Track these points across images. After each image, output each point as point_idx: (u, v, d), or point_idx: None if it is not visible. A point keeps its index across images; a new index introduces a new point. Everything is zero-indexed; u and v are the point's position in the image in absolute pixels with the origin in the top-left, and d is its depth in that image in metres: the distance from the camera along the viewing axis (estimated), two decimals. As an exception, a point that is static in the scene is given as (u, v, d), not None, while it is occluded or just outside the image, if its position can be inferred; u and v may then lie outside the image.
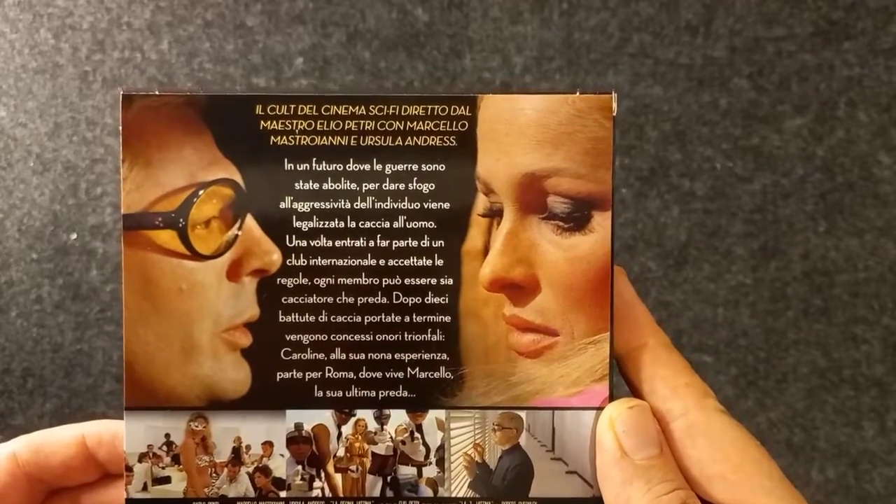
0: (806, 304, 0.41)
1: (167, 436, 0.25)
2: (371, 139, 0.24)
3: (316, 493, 0.25)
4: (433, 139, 0.24)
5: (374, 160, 0.24)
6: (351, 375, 0.25)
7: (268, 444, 0.25)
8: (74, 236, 0.39)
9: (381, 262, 0.25)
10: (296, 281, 0.25)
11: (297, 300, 0.25)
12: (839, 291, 0.41)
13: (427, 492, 0.25)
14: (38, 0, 0.33)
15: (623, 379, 0.26)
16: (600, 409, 0.25)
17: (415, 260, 0.25)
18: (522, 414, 0.25)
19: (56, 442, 0.28)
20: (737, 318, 0.44)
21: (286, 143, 0.24)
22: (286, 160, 0.24)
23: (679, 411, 0.24)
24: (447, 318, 0.25)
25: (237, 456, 0.25)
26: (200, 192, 0.24)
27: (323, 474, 0.25)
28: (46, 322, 0.43)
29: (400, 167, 0.25)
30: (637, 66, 0.40)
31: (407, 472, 0.25)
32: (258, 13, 0.40)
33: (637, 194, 0.43)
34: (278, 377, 0.25)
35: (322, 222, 0.25)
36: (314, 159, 0.24)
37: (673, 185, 0.40)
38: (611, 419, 0.24)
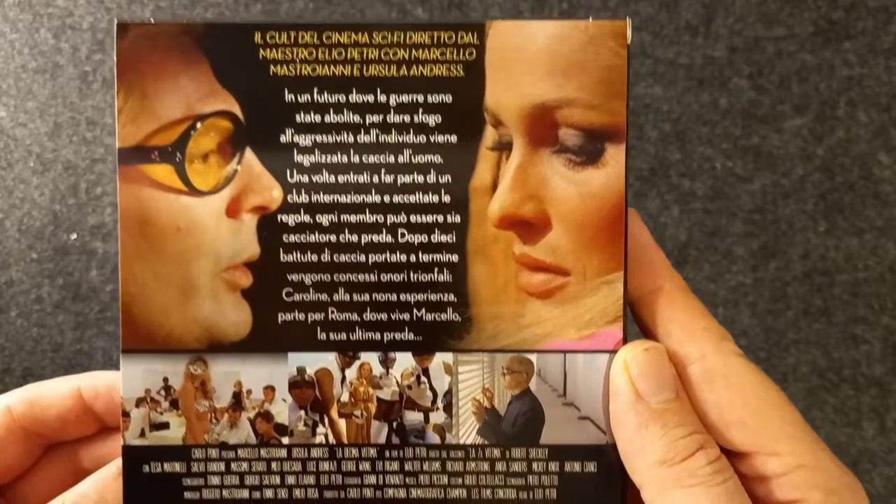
0: (806, 304, 0.41)
1: (165, 380, 0.24)
2: (375, 69, 0.23)
3: (319, 439, 0.24)
4: (439, 69, 0.23)
5: (378, 91, 0.24)
6: (355, 317, 0.24)
7: (269, 389, 0.24)
8: (74, 236, 0.38)
9: (386, 198, 0.24)
10: (297, 218, 0.24)
11: (298, 238, 0.24)
12: (839, 291, 0.40)
13: (434, 438, 0.24)
14: (38, 0, 0.33)
15: (637, 324, 0.25)
16: (614, 352, 0.24)
17: (420, 196, 0.24)
18: (533, 357, 0.24)
19: (51, 395, 0.27)
20: (737, 317, 0.43)
21: (286, 72, 0.23)
22: (286, 91, 0.23)
23: (696, 355, 0.23)
24: (454, 258, 0.24)
25: (238, 401, 0.24)
26: (198, 125, 0.23)
27: (326, 420, 0.24)
28: (46, 322, 0.43)
29: (405, 98, 0.24)
30: (637, 66, 0.39)
31: (413, 417, 0.24)
32: (258, 13, 0.40)
33: (637, 194, 0.42)
34: (280, 319, 0.24)
35: (324, 156, 0.24)
36: (315, 90, 0.23)
37: (673, 184, 0.39)
38: (625, 362, 0.23)
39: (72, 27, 0.33)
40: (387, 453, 0.24)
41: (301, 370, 0.24)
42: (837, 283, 0.40)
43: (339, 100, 0.23)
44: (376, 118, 0.24)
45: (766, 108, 0.38)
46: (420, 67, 0.23)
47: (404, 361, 0.24)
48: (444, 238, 0.24)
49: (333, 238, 0.24)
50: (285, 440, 0.24)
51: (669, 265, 0.25)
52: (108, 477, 0.25)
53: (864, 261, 0.39)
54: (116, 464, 0.25)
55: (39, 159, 0.34)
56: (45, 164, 0.34)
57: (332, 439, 0.24)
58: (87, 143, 0.37)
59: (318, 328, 0.24)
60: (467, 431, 0.24)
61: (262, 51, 0.23)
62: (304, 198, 0.24)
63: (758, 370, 0.24)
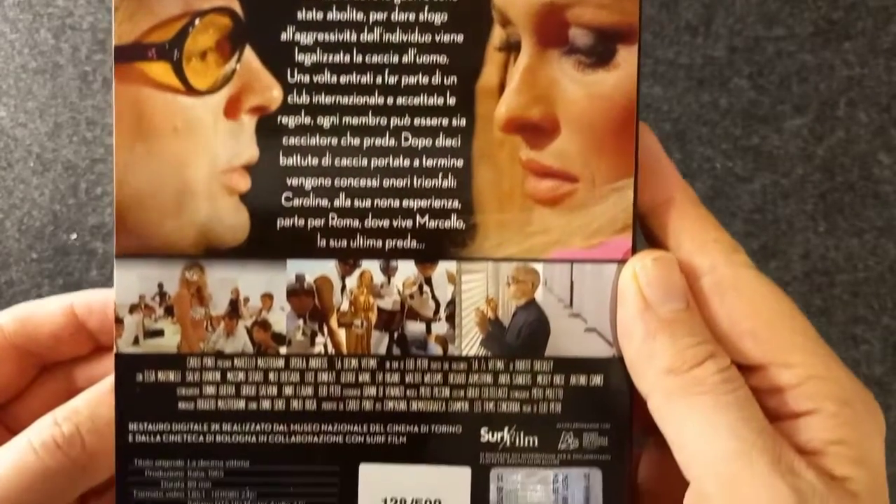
0: (806, 304, 0.40)
1: (160, 286, 0.24)
2: (379, -37, 0.23)
3: (318, 349, 0.24)
4: (446, -36, 0.23)
5: (383, -14, 0.23)
6: (356, 224, 0.23)
7: (267, 297, 0.24)
8: (74, 236, 0.38)
9: (389, 100, 0.23)
10: (297, 120, 0.23)
11: (298, 141, 0.23)
12: (839, 291, 0.40)
13: (436, 349, 0.24)
14: (38, 0, 0.32)
15: (646, 238, 0.24)
16: (622, 262, 0.23)
17: (425, 98, 0.23)
18: (539, 267, 0.24)
19: (43, 312, 0.27)
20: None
21: (288, -34, 0.23)
22: None
23: (707, 267, 0.23)
24: (459, 162, 0.23)
25: (234, 309, 0.24)
26: (196, 21, 0.23)
27: (326, 329, 0.24)
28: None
29: (410, -6, 0.23)
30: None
31: (415, 328, 0.24)
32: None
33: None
34: (278, 224, 0.23)
35: (326, 56, 0.23)
36: (318, -16, 0.23)
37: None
38: (634, 271, 0.23)
39: (72, 27, 0.33)
40: (387, 364, 0.24)
41: (300, 278, 0.24)
42: (837, 283, 0.40)
43: (341, -5, 0.23)
44: (380, 16, 0.23)
45: (766, 108, 0.38)
46: (426, -38, 0.23)
47: (406, 270, 0.24)
48: (449, 142, 0.23)
49: (335, 141, 0.23)
50: (283, 350, 0.24)
51: (680, 177, 0.24)
52: (101, 392, 0.24)
53: (864, 261, 0.39)
54: (110, 380, 0.24)
55: (39, 159, 0.34)
56: (45, 164, 0.34)
57: (331, 349, 0.24)
58: (87, 143, 0.37)
59: (318, 234, 0.23)
60: (470, 343, 0.24)
61: (262, -58, 0.22)
62: (304, 99, 0.23)
63: (769, 282, 0.23)
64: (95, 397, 0.24)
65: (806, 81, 0.35)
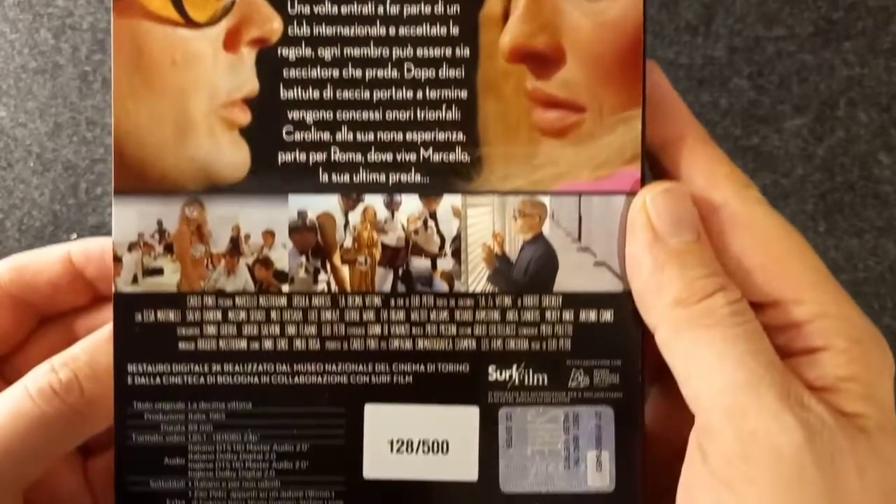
0: None
1: (159, 223, 0.23)
2: None
3: (321, 287, 0.23)
4: None
5: (384, -87, 0.22)
6: (358, 157, 0.23)
7: (269, 234, 0.23)
8: (75, 236, 0.38)
9: (392, 30, 0.23)
10: (298, 52, 0.23)
11: (299, 73, 0.23)
12: None
13: (442, 286, 0.23)
14: (38, 0, 0.32)
15: (655, 177, 0.24)
16: (632, 193, 0.23)
17: (428, 28, 0.23)
18: (546, 200, 0.23)
19: (40, 261, 0.26)
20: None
21: None
22: None
23: (718, 202, 0.22)
24: (464, 94, 0.23)
25: (235, 246, 0.23)
26: (195, -49, 0.22)
27: (329, 267, 0.23)
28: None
29: (411, -79, 0.22)
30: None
31: (420, 264, 0.23)
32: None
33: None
34: (279, 159, 0.23)
35: (327, -15, 0.23)
36: (318, -89, 0.22)
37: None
38: (644, 202, 0.22)
39: (72, 27, 0.33)
40: (392, 302, 0.23)
41: (302, 214, 0.23)
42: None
43: (342, -77, 0.22)
44: (381, -56, 0.22)
45: (766, 108, 0.38)
46: None
47: (410, 204, 0.23)
48: (452, 73, 0.23)
49: (336, 73, 0.23)
50: (285, 288, 0.23)
51: (690, 114, 0.24)
52: (99, 339, 0.24)
53: (864, 261, 0.38)
54: (108, 327, 0.24)
55: (39, 159, 0.34)
56: (45, 164, 0.34)
57: (334, 287, 0.23)
58: (87, 143, 0.37)
59: (320, 169, 0.23)
60: (477, 279, 0.23)
61: None
62: (305, 30, 0.23)
63: (781, 218, 0.22)
64: (93, 344, 0.24)
65: (806, 81, 0.34)
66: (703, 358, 0.20)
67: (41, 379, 0.23)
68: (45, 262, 0.26)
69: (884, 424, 0.20)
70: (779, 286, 0.21)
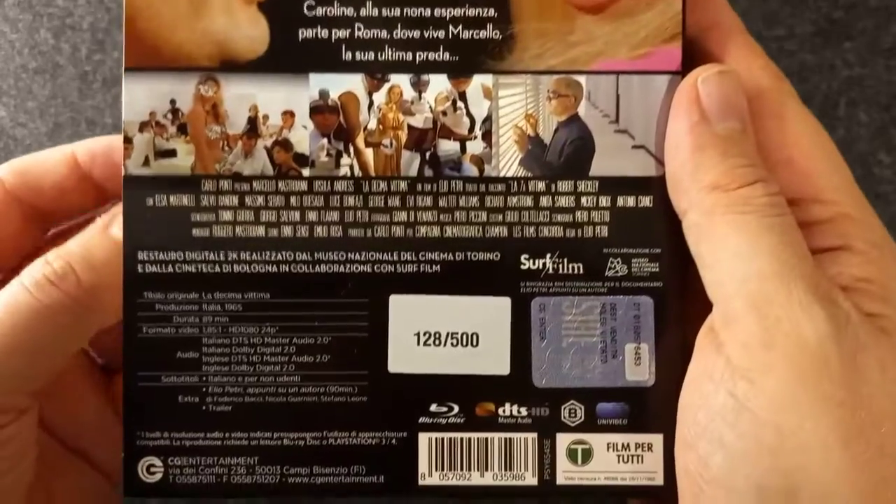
0: None
1: (172, 102, 0.22)
2: None
3: (344, 171, 0.22)
4: None
5: None
6: (384, 35, 0.22)
7: (288, 114, 0.22)
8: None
9: None
10: None
11: None
12: None
13: (472, 170, 0.22)
14: (38, 0, 0.32)
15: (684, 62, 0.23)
16: (673, 73, 0.22)
17: None
18: (582, 79, 0.22)
19: (44, 162, 0.25)
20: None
21: None
22: None
23: (753, 92, 0.21)
24: None
25: (253, 127, 0.22)
26: None
27: (352, 149, 0.22)
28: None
29: None
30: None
31: (448, 147, 0.22)
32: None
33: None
34: (300, 35, 0.22)
35: None
36: None
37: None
38: (696, 80, 0.21)
39: (72, 27, 0.33)
40: (419, 187, 0.22)
41: (324, 94, 0.22)
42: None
43: None
44: None
45: None
46: None
47: (439, 84, 0.22)
48: (483, -57, 0.22)
49: (361, -57, 0.21)
50: (306, 172, 0.22)
51: (727, 3, 0.23)
52: (94, 233, 0.22)
53: None
54: (103, 219, 0.22)
55: None
56: None
57: (357, 171, 0.22)
58: None
59: (343, 46, 0.22)
60: (508, 162, 0.22)
61: None
62: None
63: (813, 118, 0.22)
64: (88, 238, 0.22)
65: (806, 81, 0.34)
66: (734, 244, 0.19)
67: (36, 271, 0.22)
68: (48, 163, 0.25)
69: None
70: (803, 182, 0.21)
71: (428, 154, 0.22)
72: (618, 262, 0.22)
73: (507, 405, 0.22)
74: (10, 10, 0.33)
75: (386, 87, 0.22)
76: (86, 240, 0.22)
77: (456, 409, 0.22)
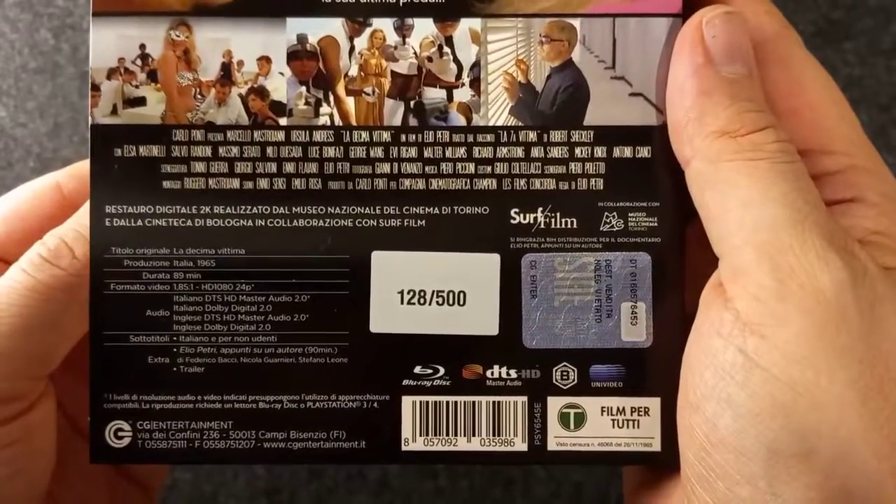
0: None
1: (142, 47, 0.21)
2: None
3: (323, 120, 0.21)
4: None
5: None
6: (366, -25, 0.20)
7: (264, 60, 0.21)
8: None
9: None
10: None
11: None
12: None
13: (459, 119, 0.21)
14: (38, 0, 0.31)
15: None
16: (675, 16, 0.20)
17: None
18: (576, 22, 0.21)
19: (27, 205, 0.24)
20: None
21: None
22: None
23: (757, 39, 0.20)
24: None
25: (227, 73, 0.21)
26: None
27: (332, 97, 0.21)
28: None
29: None
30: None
31: (434, 95, 0.21)
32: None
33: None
34: (277, -24, 0.20)
35: None
36: None
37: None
38: (702, 21, 0.19)
39: (72, 27, 0.33)
40: (403, 137, 0.21)
41: (302, 38, 0.21)
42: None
43: None
44: None
45: None
46: None
47: (424, 28, 0.21)
48: None
49: None
50: (283, 121, 0.21)
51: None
52: (88, 210, 0.21)
53: None
54: None
55: (39, 159, 0.33)
56: (45, 164, 0.33)
57: (338, 120, 0.21)
58: (86, 144, 0.36)
59: None
60: (498, 111, 0.21)
61: None
62: None
63: (820, 66, 0.20)
64: (82, 212, 0.21)
65: None
66: (744, 192, 0.18)
67: (30, 252, 0.21)
68: (32, 204, 0.23)
69: None
70: (812, 134, 0.20)
71: (412, 102, 0.21)
72: (613, 217, 0.21)
73: (496, 367, 0.20)
74: (10, 10, 0.33)
75: (368, 31, 0.21)
76: (80, 216, 0.21)
77: (441, 371, 0.20)
